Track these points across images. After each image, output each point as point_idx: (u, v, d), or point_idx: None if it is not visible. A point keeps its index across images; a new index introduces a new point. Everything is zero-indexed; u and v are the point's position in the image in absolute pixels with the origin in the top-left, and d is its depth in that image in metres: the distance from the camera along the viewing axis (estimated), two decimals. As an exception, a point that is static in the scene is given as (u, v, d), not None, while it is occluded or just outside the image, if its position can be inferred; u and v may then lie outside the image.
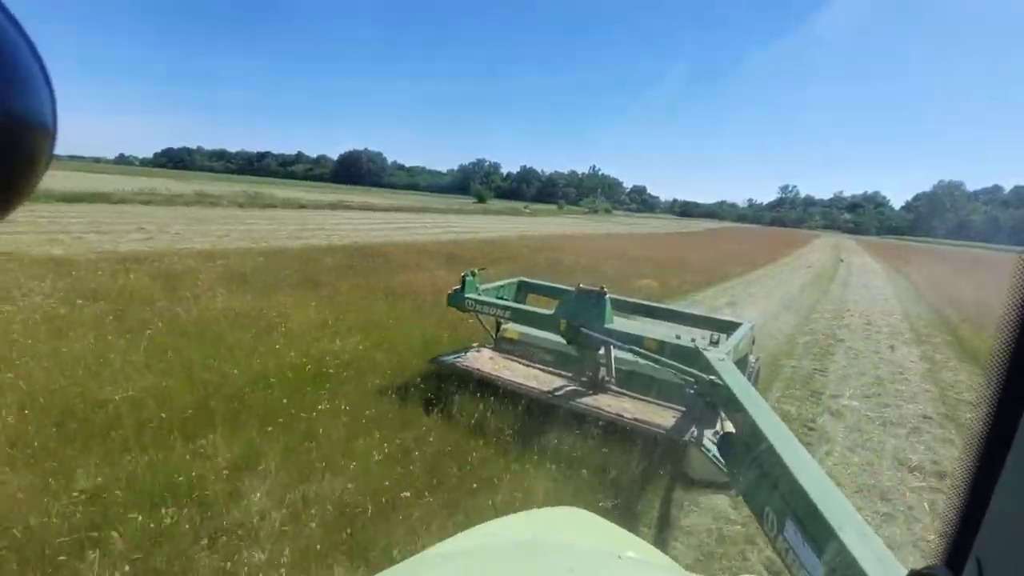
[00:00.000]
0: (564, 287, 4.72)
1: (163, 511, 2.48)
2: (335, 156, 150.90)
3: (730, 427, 2.61)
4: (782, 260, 23.38)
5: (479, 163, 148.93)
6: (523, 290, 5.22)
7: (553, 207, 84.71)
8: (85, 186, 21.99)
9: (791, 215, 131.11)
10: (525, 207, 67.19)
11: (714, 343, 3.36)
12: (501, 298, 4.54)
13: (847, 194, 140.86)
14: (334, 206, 32.08)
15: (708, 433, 3.34)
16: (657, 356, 3.17)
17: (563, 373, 4.29)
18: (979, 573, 0.52)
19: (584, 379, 4.08)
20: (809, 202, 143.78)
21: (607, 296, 3.70)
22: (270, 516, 2.56)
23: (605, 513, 1.87)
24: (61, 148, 0.35)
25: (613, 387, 4.00)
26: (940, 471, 3.99)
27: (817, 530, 1.31)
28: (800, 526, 1.38)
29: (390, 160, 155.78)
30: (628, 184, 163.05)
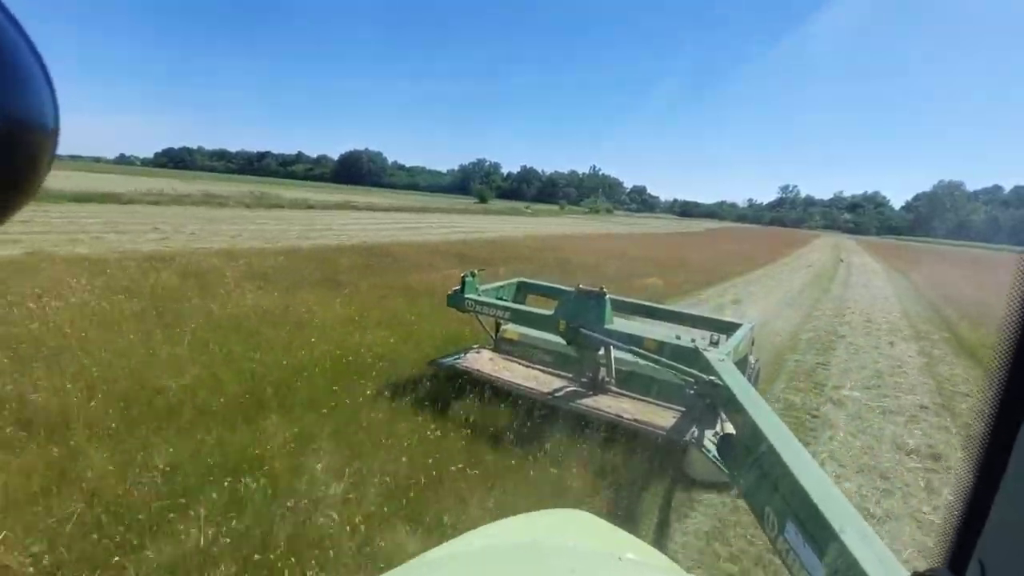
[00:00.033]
0: (564, 287, 4.71)
1: (240, 481, 2.78)
2: (335, 156, 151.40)
3: (730, 428, 2.65)
4: (782, 260, 23.68)
5: (479, 163, 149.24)
6: (523, 291, 5.19)
7: (554, 207, 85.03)
8: (86, 185, 22.18)
9: (791, 215, 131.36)
10: (527, 207, 67.57)
11: (714, 344, 3.34)
12: (501, 299, 4.52)
13: (847, 194, 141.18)
14: (340, 206, 32.40)
15: (708, 434, 3.36)
16: (657, 357, 3.17)
17: (563, 374, 4.29)
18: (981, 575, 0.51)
19: (584, 380, 4.08)
20: (809, 202, 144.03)
21: (607, 296, 3.69)
22: (334, 486, 2.86)
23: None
24: (61, 148, 0.35)
25: (613, 388, 4.01)
26: (935, 454, 4.28)
27: (818, 531, 1.31)
28: (801, 527, 1.38)
29: (390, 160, 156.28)
30: (628, 184, 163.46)
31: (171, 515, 2.53)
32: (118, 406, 3.53)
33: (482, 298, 4.29)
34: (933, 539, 3.11)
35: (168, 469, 2.88)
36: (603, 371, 4.00)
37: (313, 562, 2.31)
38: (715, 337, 3.51)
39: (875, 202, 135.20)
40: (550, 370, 4.40)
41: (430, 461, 3.20)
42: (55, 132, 0.33)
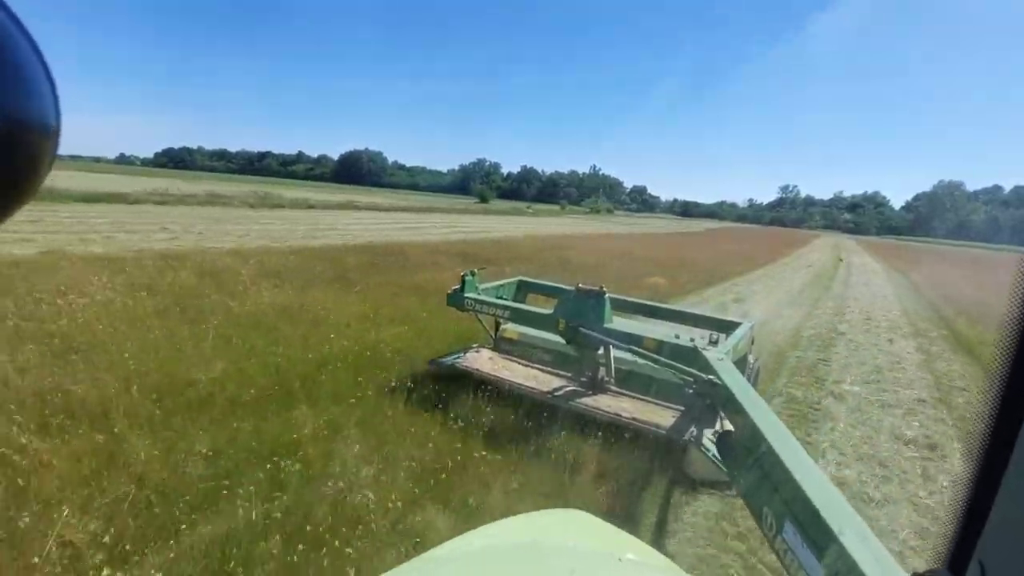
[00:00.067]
0: (563, 286, 4.69)
1: (279, 465, 2.96)
2: (336, 156, 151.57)
3: (729, 426, 2.65)
4: (782, 260, 23.88)
5: (479, 163, 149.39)
6: (522, 290, 5.18)
7: (555, 207, 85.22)
8: (89, 185, 22.37)
9: (791, 215, 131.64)
10: (528, 207, 67.85)
11: (713, 343, 3.36)
12: (501, 298, 4.51)
13: (847, 194, 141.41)
14: (342, 206, 32.58)
15: (707, 433, 3.38)
16: (656, 356, 3.18)
17: (562, 373, 4.30)
18: None
19: (583, 379, 4.10)
20: (809, 202, 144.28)
21: (606, 296, 3.70)
22: (365, 470, 3.04)
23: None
24: (62, 148, 0.35)
25: (612, 387, 4.03)
26: (932, 444, 4.47)
27: (816, 532, 1.31)
28: (799, 527, 1.38)
29: (390, 160, 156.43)
30: (628, 184, 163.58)
31: (221, 493, 2.71)
32: (152, 397, 3.72)
33: (482, 297, 4.29)
34: (928, 520, 3.30)
35: (210, 454, 3.06)
36: (602, 370, 4.01)
37: (354, 536, 2.49)
38: (714, 336, 3.55)
39: (875, 202, 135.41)
40: (550, 369, 4.42)
41: (455, 446, 3.39)
42: (56, 132, 0.33)
